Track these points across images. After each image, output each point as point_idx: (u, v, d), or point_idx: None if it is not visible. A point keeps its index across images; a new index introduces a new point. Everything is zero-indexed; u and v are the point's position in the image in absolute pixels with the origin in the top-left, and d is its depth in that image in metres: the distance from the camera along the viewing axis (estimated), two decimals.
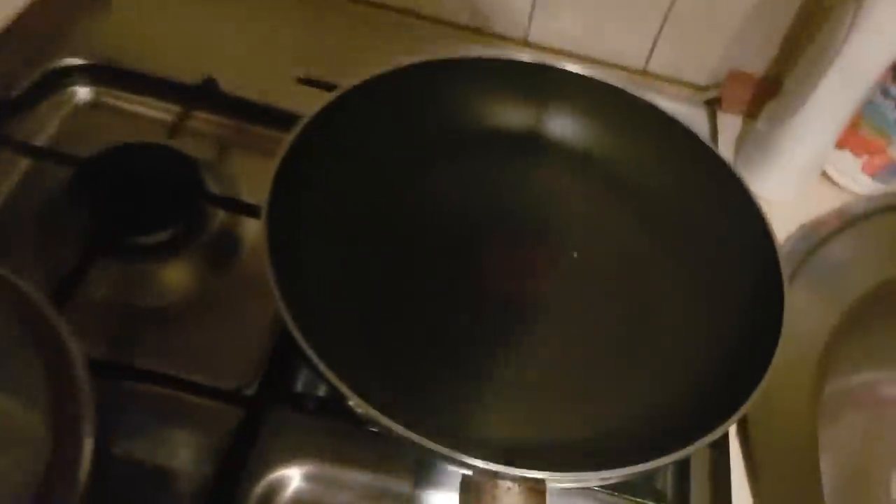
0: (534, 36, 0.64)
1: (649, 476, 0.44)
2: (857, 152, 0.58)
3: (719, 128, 0.62)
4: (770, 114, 0.57)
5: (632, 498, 0.42)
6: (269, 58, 0.60)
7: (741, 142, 0.60)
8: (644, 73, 0.65)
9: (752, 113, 0.61)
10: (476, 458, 0.33)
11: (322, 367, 0.34)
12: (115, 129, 0.55)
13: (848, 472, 0.59)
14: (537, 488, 0.34)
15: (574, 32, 0.63)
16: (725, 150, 0.61)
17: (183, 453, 0.40)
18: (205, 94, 0.56)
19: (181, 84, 0.56)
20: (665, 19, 0.60)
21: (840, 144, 0.58)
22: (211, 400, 0.41)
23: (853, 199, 0.59)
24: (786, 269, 0.43)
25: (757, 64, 0.62)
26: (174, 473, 0.40)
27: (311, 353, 0.34)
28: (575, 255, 0.49)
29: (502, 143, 0.53)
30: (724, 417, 0.37)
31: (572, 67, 0.51)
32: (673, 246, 0.50)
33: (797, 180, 0.58)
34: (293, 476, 0.41)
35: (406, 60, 0.48)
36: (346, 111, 0.46)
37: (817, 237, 0.57)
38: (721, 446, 0.45)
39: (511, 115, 0.53)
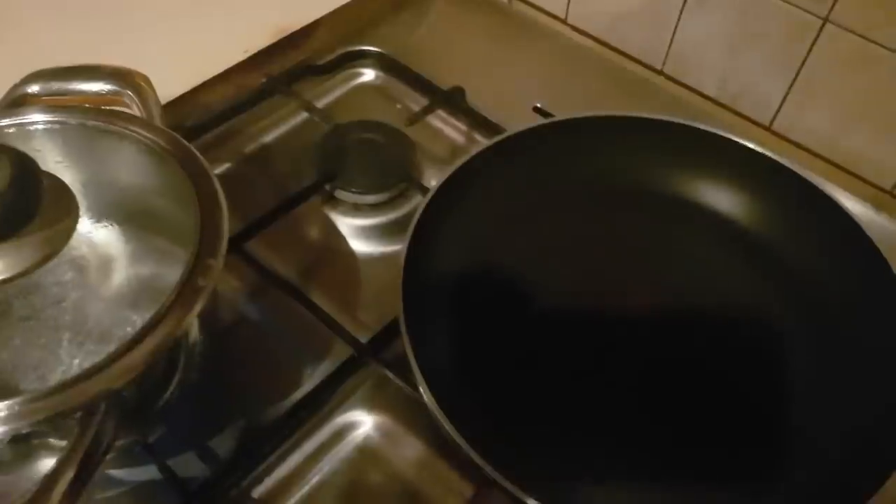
0: (779, 125, 0.62)
1: None
2: None
3: None
4: None
5: None
6: (516, 83, 0.67)
7: None
8: (892, 194, 0.58)
9: None
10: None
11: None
12: (376, 108, 0.66)
13: None
14: None
15: (822, 131, 0.59)
16: None
17: (284, 365, 0.49)
18: (450, 99, 0.65)
19: (435, 85, 0.66)
20: None
21: None
22: (329, 329, 0.49)
23: None
24: None
25: None
26: (266, 379, 0.49)
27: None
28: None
29: (656, 204, 0.54)
30: None
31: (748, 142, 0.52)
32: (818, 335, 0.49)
33: None
34: (367, 423, 0.48)
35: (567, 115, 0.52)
36: (499, 158, 0.51)
37: None
38: None
39: (667, 178, 0.54)
